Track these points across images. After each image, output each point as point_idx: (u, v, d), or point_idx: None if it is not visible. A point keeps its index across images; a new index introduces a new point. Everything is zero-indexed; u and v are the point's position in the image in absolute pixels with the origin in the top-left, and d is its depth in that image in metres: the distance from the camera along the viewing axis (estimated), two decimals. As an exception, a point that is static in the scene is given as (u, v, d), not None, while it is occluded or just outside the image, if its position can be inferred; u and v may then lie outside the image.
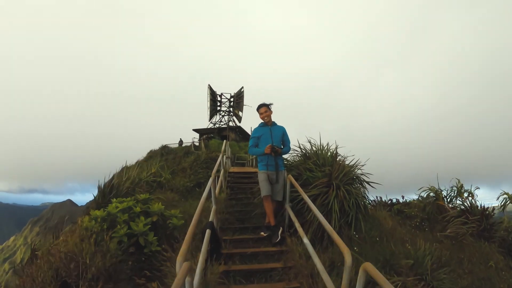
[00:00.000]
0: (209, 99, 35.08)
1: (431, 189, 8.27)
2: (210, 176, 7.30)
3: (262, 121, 5.00)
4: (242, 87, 35.73)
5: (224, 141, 9.14)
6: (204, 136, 32.96)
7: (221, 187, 7.14)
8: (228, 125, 35.44)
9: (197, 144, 29.73)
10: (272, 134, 4.88)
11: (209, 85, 35.36)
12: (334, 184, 5.24)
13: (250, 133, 35.97)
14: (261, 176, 4.82)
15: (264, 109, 4.91)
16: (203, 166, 17.54)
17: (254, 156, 16.52)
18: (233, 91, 36.49)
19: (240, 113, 35.26)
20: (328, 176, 5.44)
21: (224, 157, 8.75)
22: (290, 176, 4.74)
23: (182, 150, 26.77)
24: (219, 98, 36.44)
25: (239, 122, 35.55)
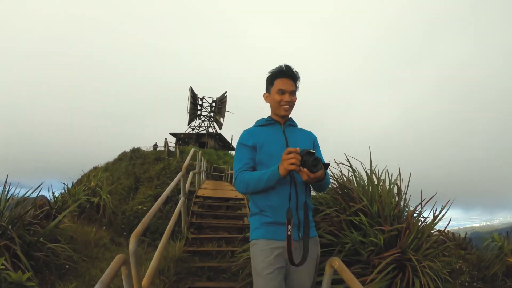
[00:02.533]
0: (189, 102, 31.76)
1: (495, 238, 5.50)
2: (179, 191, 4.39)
3: (268, 117, 1.89)
4: (226, 92, 32.70)
5: (192, 150, 6.05)
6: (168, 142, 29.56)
7: (174, 230, 4.09)
8: (207, 131, 32.13)
9: (172, 149, 26.26)
10: (289, 141, 1.80)
11: (190, 87, 32.13)
12: (414, 261, 2.30)
13: (231, 141, 32.58)
14: (260, 257, 1.65)
15: (289, 82, 1.78)
16: (172, 177, 14.30)
17: (230, 170, 12.67)
18: (216, 95, 33.43)
19: (221, 119, 32.12)
20: (394, 240, 2.51)
21: (191, 174, 5.65)
22: (336, 260, 1.73)
23: (154, 155, 23.29)
24: (200, 102, 33.16)
25: (220, 129, 32.35)
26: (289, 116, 1.88)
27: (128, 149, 26.34)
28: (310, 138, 1.89)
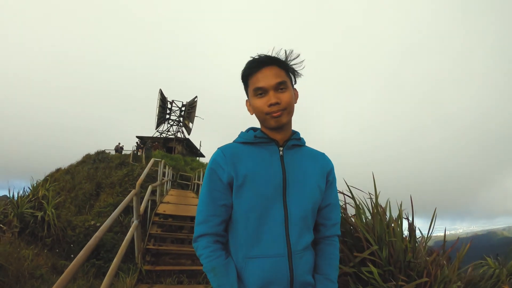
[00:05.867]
0: (158, 105, 30.28)
1: (491, 265, 5.03)
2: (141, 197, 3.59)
3: (259, 131, 1.07)
4: (196, 97, 31.58)
5: (152, 160, 5.12)
6: (141, 145, 27.93)
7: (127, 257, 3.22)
8: (175, 136, 30.75)
9: (139, 153, 24.60)
10: (289, 179, 1.01)
11: (160, 89, 30.67)
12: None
13: (199, 148, 31.52)
14: None
15: (270, 72, 0.99)
16: (136, 185, 13.06)
17: (197, 180, 11.54)
18: (186, 99, 32.21)
19: (190, 124, 30.88)
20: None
21: (150, 189, 4.73)
22: None
23: (118, 159, 21.64)
24: (169, 105, 31.75)
25: (188, 134, 31.10)
26: (291, 129, 1.10)
27: (93, 151, 24.41)
28: (323, 170, 1.10)
